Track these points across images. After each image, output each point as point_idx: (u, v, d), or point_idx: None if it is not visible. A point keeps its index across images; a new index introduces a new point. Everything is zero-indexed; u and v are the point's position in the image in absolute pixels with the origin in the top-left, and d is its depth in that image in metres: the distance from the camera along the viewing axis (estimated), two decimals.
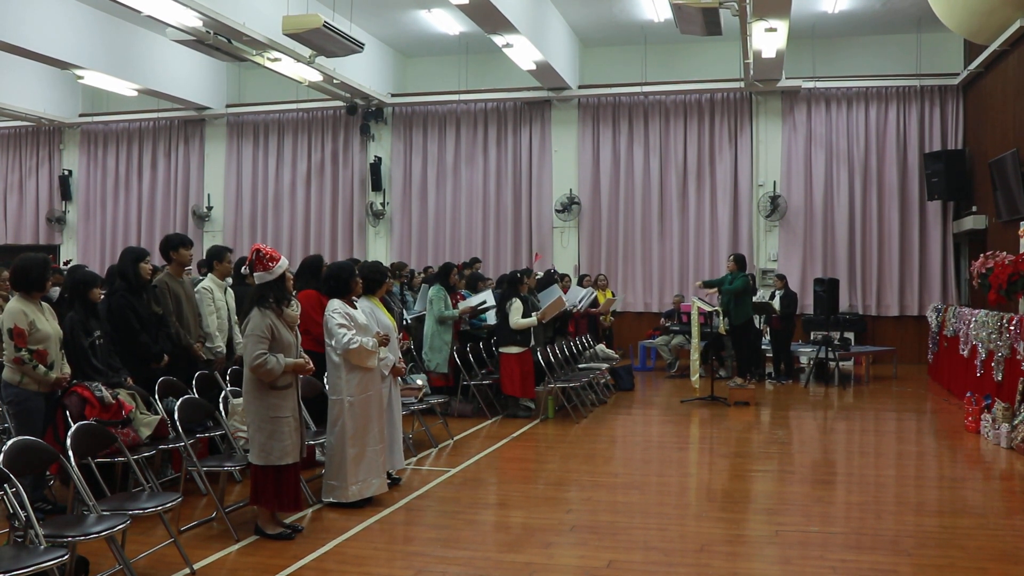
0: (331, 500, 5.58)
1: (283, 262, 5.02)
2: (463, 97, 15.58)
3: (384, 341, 5.76)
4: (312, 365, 5.12)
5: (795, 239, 14.60)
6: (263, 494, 4.97)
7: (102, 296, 5.87)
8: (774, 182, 14.63)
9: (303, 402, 5.47)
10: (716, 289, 11.18)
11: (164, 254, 6.65)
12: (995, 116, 12.26)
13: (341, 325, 5.51)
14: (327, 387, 5.72)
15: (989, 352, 8.63)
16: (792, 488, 6.33)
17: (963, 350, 9.71)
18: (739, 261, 11.19)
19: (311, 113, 16.43)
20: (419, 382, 7.98)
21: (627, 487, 6.39)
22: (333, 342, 5.52)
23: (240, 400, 5.77)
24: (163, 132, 17.20)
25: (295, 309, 5.11)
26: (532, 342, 9.05)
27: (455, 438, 7.91)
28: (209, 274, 6.91)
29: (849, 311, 14.05)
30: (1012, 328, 8.04)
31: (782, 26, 10.94)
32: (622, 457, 7.61)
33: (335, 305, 5.59)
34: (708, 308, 10.74)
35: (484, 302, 9.56)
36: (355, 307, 5.72)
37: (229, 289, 6.96)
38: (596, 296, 12.09)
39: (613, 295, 13.51)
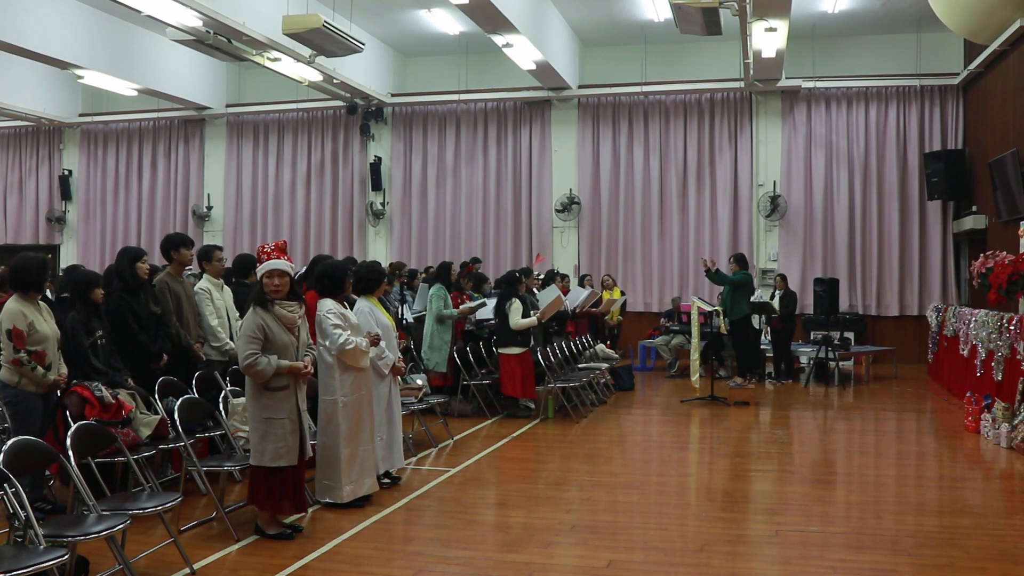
0: (326, 500, 5.58)
1: (267, 264, 4.93)
2: (463, 97, 15.58)
3: (375, 341, 5.74)
4: (311, 369, 5.05)
5: (795, 239, 14.60)
6: (256, 494, 4.96)
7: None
8: (774, 182, 14.63)
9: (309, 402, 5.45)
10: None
11: (165, 254, 6.66)
12: (995, 116, 12.26)
13: (336, 326, 5.50)
14: (319, 387, 5.70)
15: (989, 352, 8.63)
16: (792, 488, 6.33)
17: (963, 350, 9.71)
18: (739, 260, 11.26)
19: (311, 113, 16.43)
20: (419, 382, 7.98)
21: (627, 487, 6.39)
22: (328, 343, 5.51)
23: (240, 400, 5.78)
24: (163, 132, 17.20)
25: (295, 311, 5.02)
26: (532, 342, 9.05)
27: (455, 438, 7.91)
28: (204, 275, 6.91)
29: (849, 311, 14.05)
30: (1012, 328, 8.04)
31: (782, 26, 10.94)
32: (622, 457, 7.60)
33: (329, 305, 5.57)
34: (708, 308, 10.74)
35: (484, 303, 9.57)
36: (346, 306, 5.70)
37: (226, 287, 6.95)
38: (600, 296, 12.16)
39: (623, 294, 13.51)
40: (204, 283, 6.80)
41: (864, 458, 7.73)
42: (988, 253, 9.00)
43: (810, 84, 14.40)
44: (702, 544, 4.91)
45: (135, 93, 14.74)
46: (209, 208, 16.77)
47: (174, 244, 6.62)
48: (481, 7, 10.59)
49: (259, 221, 16.62)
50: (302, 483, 5.16)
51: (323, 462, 5.61)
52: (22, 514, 3.63)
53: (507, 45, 12.01)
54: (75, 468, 4.15)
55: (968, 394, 8.72)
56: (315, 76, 13.18)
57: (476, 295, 9.83)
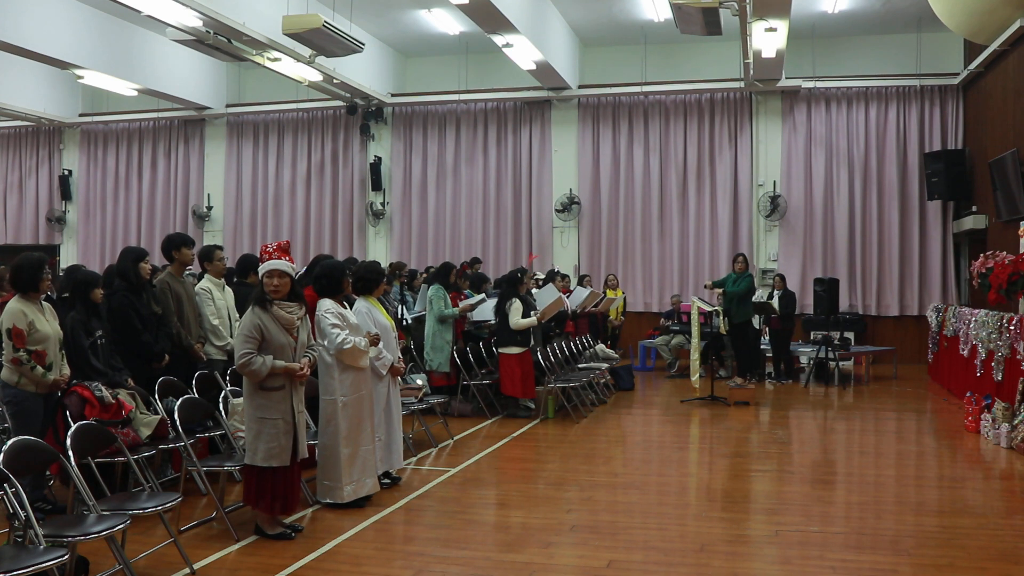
0: (327, 500, 5.58)
1: (267, 264, 4.94)
2: (463, 97, 15.58)
3: (375, 341, 5.74)
4: (307, 371, 5.02)
5: (795, 239, 14.60)
6: (248, 492, 4.95)
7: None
8: (774, 182, 14.63)
9: (309, 402, 5.45)
10: (721, 289, 11.22)
11: (166, 254, 6.67)
12: (995, 116, 12.26)
13: (335, 325, 5.50)
14: (319, 387, 5.70)
15: (989, 352, 8.63)
16: (792, 488, 6.33)
17: (963, 350, 9.71)
18: (746, 260, 11.29)
19: (311, 113, 16.44)
20: (419, 382, 7.98)
21: (627, 487, 6.39)
22: (326, 342, 5.51)
23: (240, 400, 5.78)
24: (163, 132, 17.20)
25: (294, 312, 5.01)
26: (532, 342, 9.05)
27: (455, 438, 7.91)
28: (205, 275, 6.91)
29: (849, 311, 14.05)
30: (1012, 328, 8.04)
31: (782, 26, 10.94)
32: (622, 457, 7.60)
33: (327, 305, 5.57)
34: (708, 308, 10.75)
35: (484, 300, 9.57)
36: (345, 306, 5.70)
37: (227, 288, 6.95)
38: (603, 295, 12.18)
39: (623, 294, 13.51)
40: (205, 283, 6.80)
41: (864, 458, 7.73)
42: (988, 253, 9.00)
43: (810, 84, 14.40)
44: (702, 544, 4.91)
45: (135, 93, 14.74)
46: (209, 208, 16.77)
47: (175, 244, 6.63)
48: (481, 7, 10.59)
49: (259, 221, 16.62)
50: (296, 484, 5.14)
51: (324, 462, 5.60)
52: (22, 514, 3.63)
53: (507, 45, 12.01)
54: (75, 468, 4.16)
55: (968, 394, 8.72)
56: (315, 76, 13.18)
57: (472, 293, 9.83)
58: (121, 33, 13.63)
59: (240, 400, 5.75)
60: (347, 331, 5.52)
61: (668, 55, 14.98)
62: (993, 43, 11.55)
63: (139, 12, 10.32)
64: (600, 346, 11.43)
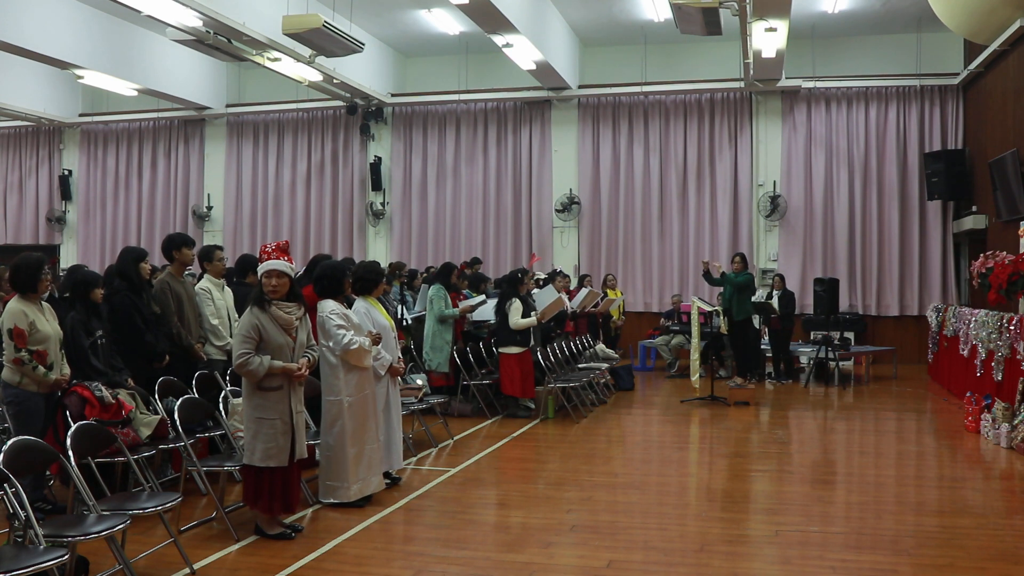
0: (331, 501, 5.58)
1: (266, 265, 4.93)
2: (463, 97, 15.58)
3: (376, 340, 5.74)
4: (305, 372, 5.00)
5: (795, 239, 14.60)
6: (247, 492, 4.96)
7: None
8: (774, 182, 14.63)
9: (308, 402, 5.44)
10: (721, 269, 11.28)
11: (167, 254, 6.67)
12: (995, 116, 12.26)
13: (340, 326, 5.50)
14: (322, 387, 5.70)
15: (989, 352, 8.63)
16: (792, 488, 6.33)
17: (963, 350, 9.71)
18: (744, 260, 11.36)
19: (311, 113, 16.44)
20: (419, 382, 7.98)
21: (627, 487, 6.39)
22: (331, 343, 5.51)
23: (240, 400, 5.77)
24: (163, 132, 17.20)
25: (293, 312, 5.00)
26: (532, 342, 9.05)
27: (455, 438, 7.91)
28: (205, 275, 6.91)
29: (849, 311, 14.05)
30: (1012, 328, 8.04)
31: (782, 26, 10.94)
32: (622, 457, 7.60)
33: (331, 306, 5.57)
34: (708, 308, 10.75)
35: (484, 301, 9.57)
36: (346, 306, 5.70)
37: (227, 288, 6.95)
38: (603, 295, 12.18)
39: (622, 294, 13.51)
40: (205, 283, 6.81)
41: (864, 458, 7.73)
42: (988, 253, 9.00)
43: (810, 84, 14.40)
44: (702, 544, 4.91)
45: (135, 93, 14.74)
46: (209, 208, 16.77)
47: (176, 244, 6.63)
48: (481, 7, 10.60)
49: (259, 221, 16.62)
50: (295, 484, 5.13)
51: (328, 463, 5.59)
52: (22, 514, 3.63)
53: (507, 45, 12.01)
54: (75, 468, 4.15)
55: (968, 394, 8.72)
56: (315, 76, 13.18)
57: (472, 294, 9.83)
58: (121, 33, 13.63)
59: (240, 400, 5.75)
60: (352, 332, 5.52)
61: (668, 55, 14.98)
62: (993, 43, 11.55)
63: (139, 12, 10.32)
64: (600, 346, 11.43)
